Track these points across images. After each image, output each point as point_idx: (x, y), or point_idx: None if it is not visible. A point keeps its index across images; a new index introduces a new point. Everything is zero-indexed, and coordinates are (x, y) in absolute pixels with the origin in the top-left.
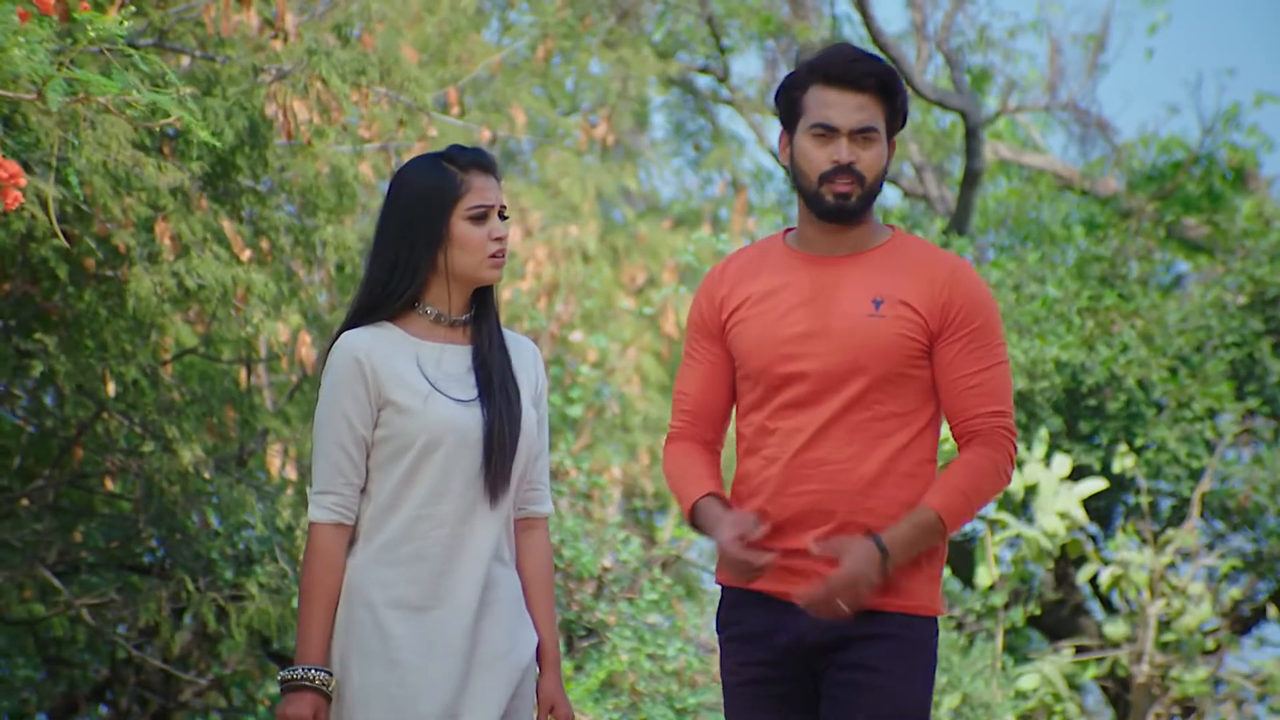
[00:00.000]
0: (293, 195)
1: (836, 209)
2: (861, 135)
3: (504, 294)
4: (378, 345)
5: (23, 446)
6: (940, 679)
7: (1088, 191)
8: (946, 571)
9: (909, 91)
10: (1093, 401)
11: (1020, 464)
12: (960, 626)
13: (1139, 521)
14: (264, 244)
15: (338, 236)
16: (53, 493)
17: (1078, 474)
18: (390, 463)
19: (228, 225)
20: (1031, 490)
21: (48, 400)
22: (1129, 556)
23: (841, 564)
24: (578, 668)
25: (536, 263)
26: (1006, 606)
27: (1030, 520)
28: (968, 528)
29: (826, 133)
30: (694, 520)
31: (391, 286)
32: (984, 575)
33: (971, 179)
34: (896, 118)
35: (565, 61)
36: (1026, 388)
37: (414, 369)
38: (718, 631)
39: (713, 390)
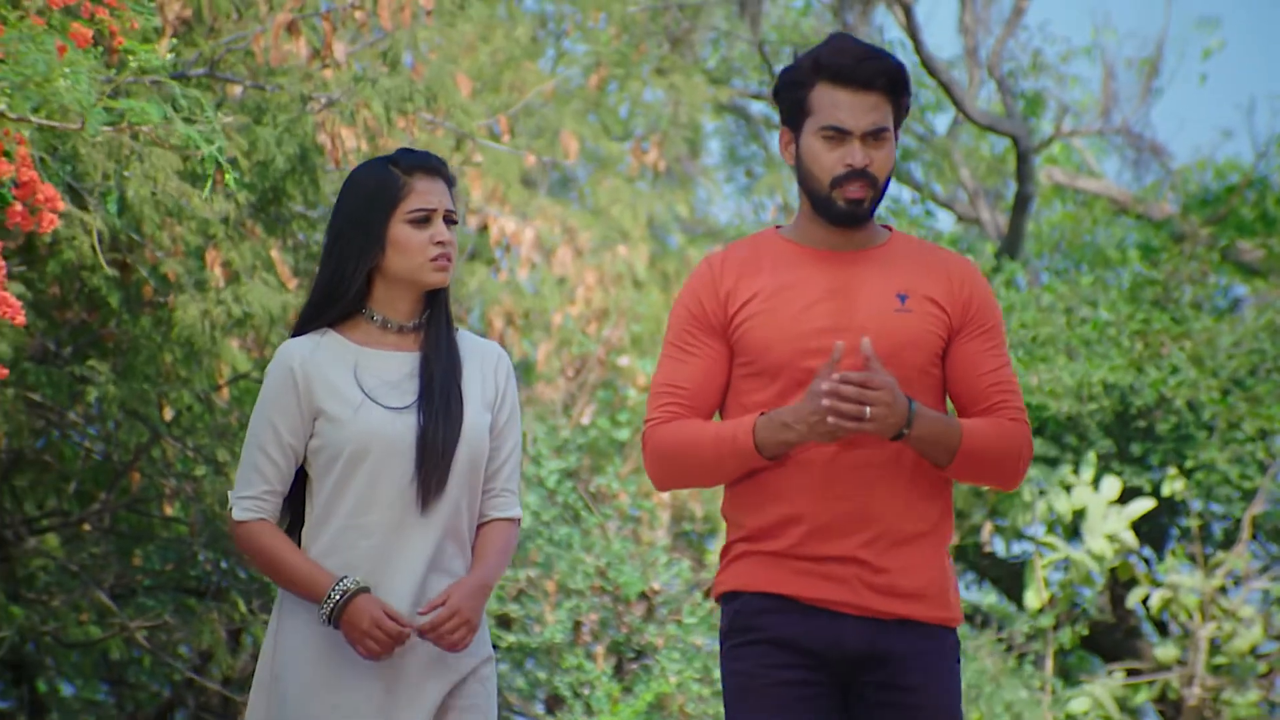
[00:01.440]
0: None
1: (849, 214)
2: (873, 136)
3: (555, 319)
4: (315, 354)
5: (80, 471)
6: (991, 703)
7: (1142, 215)
8: (995, 593)
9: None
10: (1142, 423)
11: (1069, 487)
12: (1009, 648)
13: (1189, 544)
14: (315, 269)
15: None
16: (109, 517)
17: (1129, 496)
18: (324, 474)
19: (276, 253)
20: (1080, 513)
21: (109, 425)
22: (1179, 579)
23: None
24: (626, 689)
25: (586, 287)
26: (1056, 628)
27: (1080, 543)
28: (1016, 548)
29: (838, 135)
30: (759, 435)
31: (333, 292)
32: (1033, 597)
33: (1023, 203)
34: (902, 114)
35: (619, 89)
36: (1075, 410)
37: (349, 378)
38: (725, 640)
39: (709, 387)
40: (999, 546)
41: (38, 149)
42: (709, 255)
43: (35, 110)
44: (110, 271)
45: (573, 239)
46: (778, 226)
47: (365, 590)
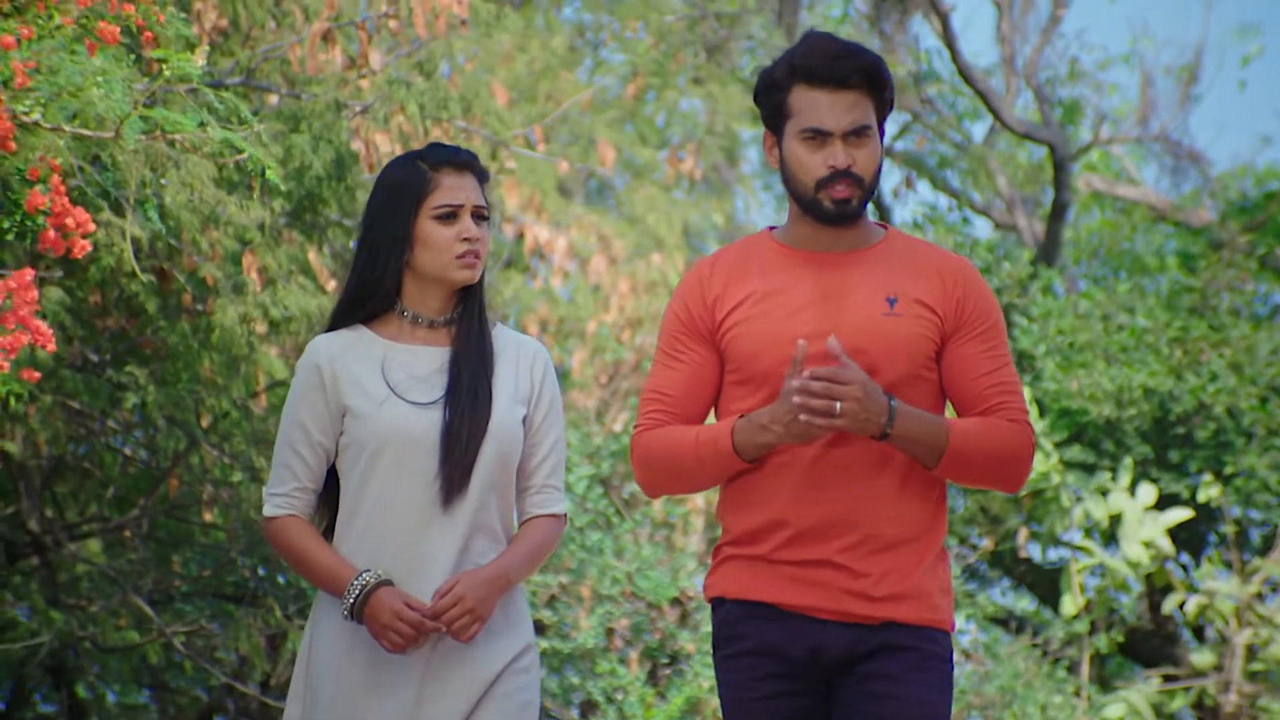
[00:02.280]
0: None
1: (837, 214)
2: (855, 135)
3: (589, 326)
4: (344, 351)
5: (119, 478)
6: (1024, 705)
7: (1180, 223)
8: (1030, 599)
9: (998, 125)
10: (1181, 430)
11: (1105, 492)
12: (1045, 653)
13: (1226, 551)
14: None
15: None
16: (147, 523)
17: (1166, 503)
18: (350, 470)
19: (313, 257)
20: (1117, 519)
21: (148, 432)
22: (1215, 586)
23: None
24: (660, 694)
25: (621, 295)
26: (1091, 634)
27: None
28: (1053, 554)
29: (819, 136)
30: (738, 443)
31: (364, 288)
32: (1068, 603)
33: (1059, 211)
34: (884, 108)
35: (656, 98)
36: (1114, 415)
37: (376, 373)
38: (715, 648)
39: (696, 394)
40: (1035, 552)
41: (76, 157)
42: (700, 259)
43: (71, 119)
44: (147, 279)
45: (607, 247)
46: (771, 228)
47: (387, 583)
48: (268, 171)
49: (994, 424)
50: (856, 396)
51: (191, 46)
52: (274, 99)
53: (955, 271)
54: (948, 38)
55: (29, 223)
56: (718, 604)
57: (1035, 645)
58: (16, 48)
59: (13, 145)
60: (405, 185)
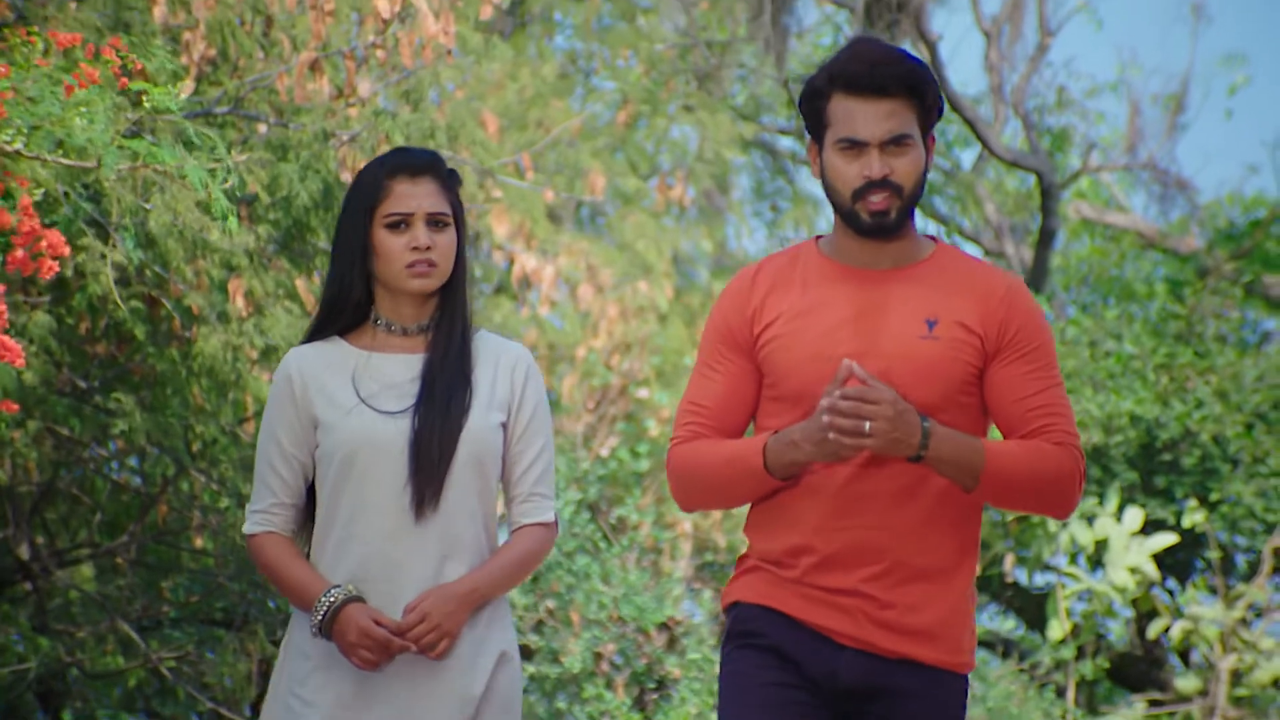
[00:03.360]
0: None
1: (875, 226)
2: (893, 144)
3: (579, 352)
4: (314, 362)
5: (109, 504)
6: None
7: (1169, 250)
8: (1017, 623)
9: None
10: (1168, 456)
11: (1091, 518)
12: (1032, 677)
13: (1211, 576)
14: None
15: None
16: (136, 548)
17: (1154, 528)
18: (323, 482)
19: (301, 285)
20: (1103, 544)
21: (138, 458)
22: (1200, 611)
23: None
24: (647, 719)
25: (609, 321)
26: (1078, 658)
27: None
28: (1039, 579)
29: (854, 147)
30: (770, 461)
31: (336, 299)
32: (1055, 628)
33: (1047, 238)
34: (930, 114)
35: (647, 126)
36: (1101, 442)
37: (346, 383)
38: (724, 645)
39: (734, 406)
40: (1021, 577)
41: (62, 183)
42: (746, 266)
43: (55, 149)
44: (131, 306)
45: (594, 275)
46: (818, 238)
47: (356, 599)
48: (229, 220)
49: (1036, 446)
50: (886, 415)
51: (178, 78)
52: (262, 128)
53: (1003, 290)
54: (935, 66)
55: None
56: (736, 606)
57: (1022, 669)
58: None
59: None
60: (360, 194)
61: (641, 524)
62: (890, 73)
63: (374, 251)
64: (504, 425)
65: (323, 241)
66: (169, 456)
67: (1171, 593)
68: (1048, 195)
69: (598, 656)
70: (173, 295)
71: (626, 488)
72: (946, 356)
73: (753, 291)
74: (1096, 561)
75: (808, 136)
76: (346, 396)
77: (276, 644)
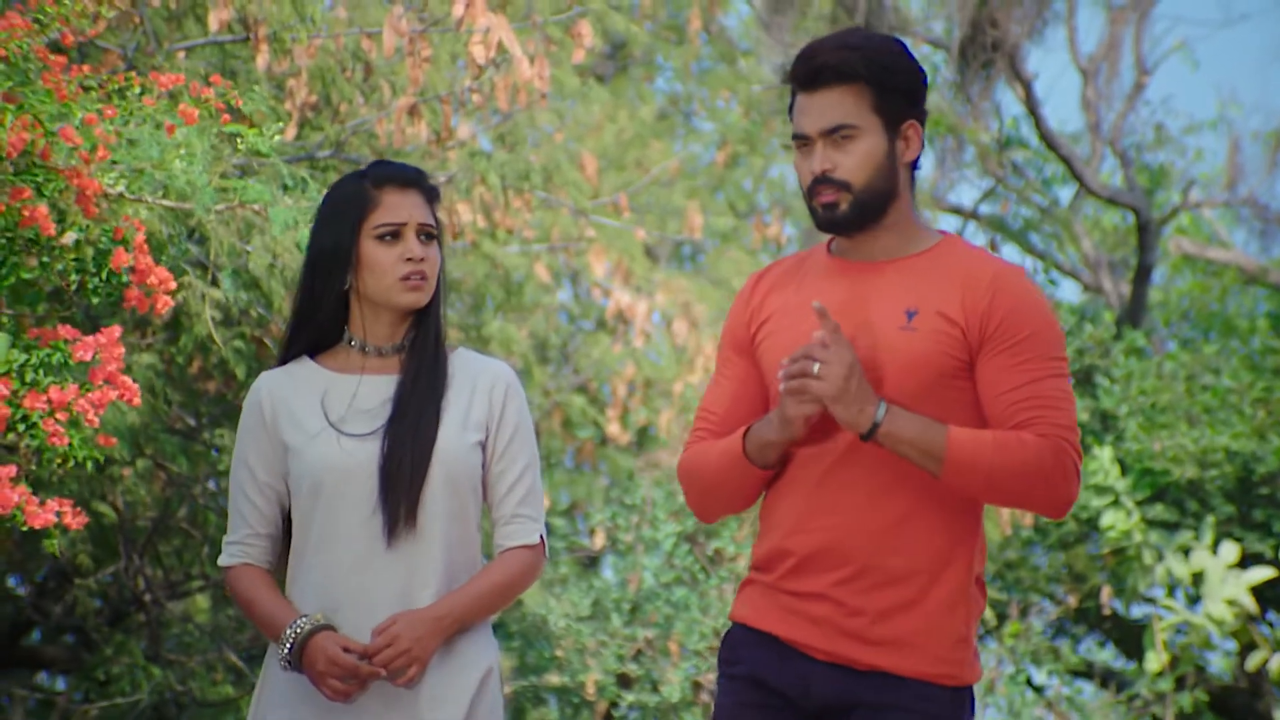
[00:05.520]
0: (462, 294)
1: (827, 221)
2: (835, 135)
3: (676, 386)
4: (284, 385)
5: (217, 537)
6: None
7: (1272, 285)
8: (1116, 654)
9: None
10: (1265, 490)
11: (1187, 550)
12: (1129, 709)
13: None
14: None
15: (503, 331)
16: None
17: (1251, 561)
18: (295, 509)
19: None
20: (1199, 576)
21: None
22: None
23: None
24: None
25: (705, 356)
26: (1177, 690)
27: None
28: (1137, 611)
29: (803, 143)
30: (748, 444)
31: (305, 316)
32: (1153, 660)
33: (1144, 273)
34: (893, 98)
35: (745, 165)
36: (1197, 476)
37: (315, 406)
38: (718, 666)
39: (740, 409)
40: (1119, 607)
41: (168, 226)
42: (755, 271)
43: (157, 191)
44: (234, 346)
45: (688, 311)
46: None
47: (326, 628)
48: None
49: (1012, 435)
50: (837, 361)
51: (279, 120)
52: None
53: (991, 280)
54: (1030, 104)
55: (114, 280)
56: (730, 626)
57: (1120, 700)
58: (99, 122)
59: (94, 210)
60: (345, 204)
61: (739, 556)
62: (823, 62)
63: (359, 265)
64: (482, 445)
65: None
66: None
67: (1272, 625)
68: (1145, 231)
69: (696, 686)
70: (275, 335)
71: (723, 520)
72: (925, 347)
73: (754, 293)
74: (1195, 596)
75: None
76: (314, 421)
77: None
